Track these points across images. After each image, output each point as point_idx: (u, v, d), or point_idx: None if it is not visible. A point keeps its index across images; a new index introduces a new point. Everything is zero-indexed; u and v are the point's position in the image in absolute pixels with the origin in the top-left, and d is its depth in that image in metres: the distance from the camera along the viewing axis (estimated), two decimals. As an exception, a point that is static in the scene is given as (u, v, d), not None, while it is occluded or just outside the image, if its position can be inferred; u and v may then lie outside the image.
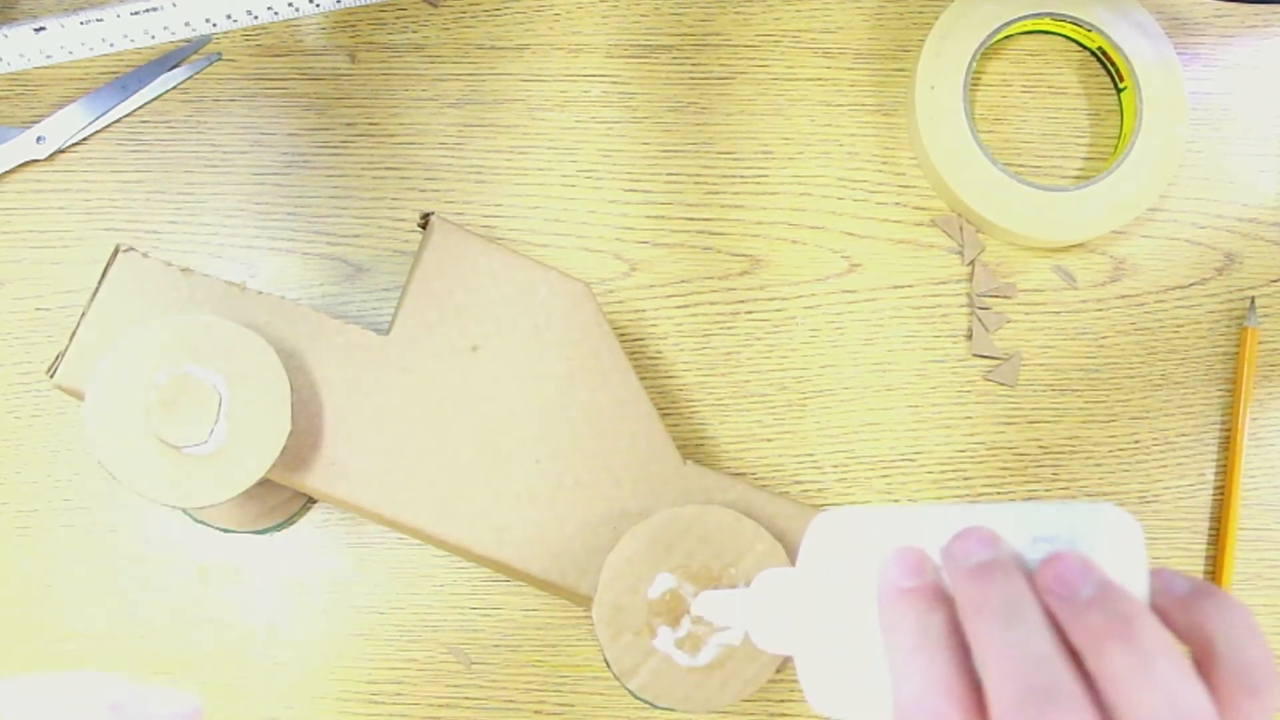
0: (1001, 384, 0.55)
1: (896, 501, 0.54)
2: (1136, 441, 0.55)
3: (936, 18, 0.55)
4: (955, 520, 0.30)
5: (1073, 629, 0.27)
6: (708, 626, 0.45)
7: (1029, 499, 0.55)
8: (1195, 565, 0.55)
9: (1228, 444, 0.55)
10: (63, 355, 0.45)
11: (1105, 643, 0.26)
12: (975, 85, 0.57)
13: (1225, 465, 0.55)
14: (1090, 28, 0.55)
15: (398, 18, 0.56)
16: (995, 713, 0.26)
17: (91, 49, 0.54)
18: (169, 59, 0.55)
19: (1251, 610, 0.29)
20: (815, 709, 0.32)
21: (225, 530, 0.51)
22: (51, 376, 0.45)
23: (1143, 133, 0.55)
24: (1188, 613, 0.29)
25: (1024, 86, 0.57)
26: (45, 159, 0.54)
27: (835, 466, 0.54)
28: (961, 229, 0.56)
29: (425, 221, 0.48)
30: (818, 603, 0.32)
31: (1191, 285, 0.56)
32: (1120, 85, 0.56)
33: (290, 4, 0.55)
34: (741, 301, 0.55)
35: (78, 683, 0.31)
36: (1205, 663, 0.28)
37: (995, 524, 0.30)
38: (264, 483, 0.44)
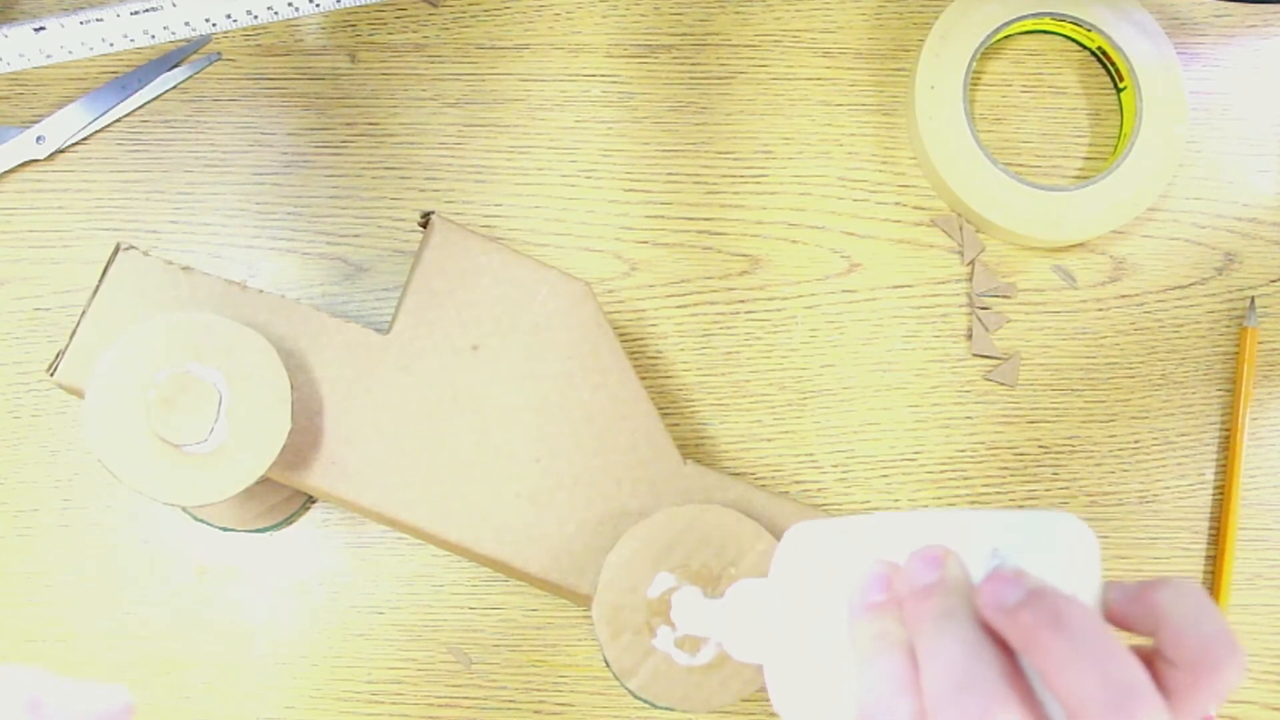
0: (1001, 384, 0.55)
1: (896, 502, 0.54)
2: (1136, 441, 0.55)
3: (936, 18, 0.55)
4: (921, 531, 0.32)
5: (1009, 633, 0.29)
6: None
7: (1028, 499, 0.55)
8: (1195, 565, 0.55)
9: (1228, 444, 0.55)
10: (63, 353, 0.45)
11: (1035, 636, 0.28)
12: (975, 85, 0.57)
13: (1225, 465, 0.55)
14: (1090, 28, 0.55)
15: (398, 18, 0.56)
16: (929, 710, 0.28)
17: (91, 49, 0.54)
18: (169, 59, 0.55)
19: (1201, 589, 0.30)
20: (783, 717, 0.33)
21: (225, 529, 0.51)
22: (52, 375, 0.45)
23: (1143, 133, 0.55)
24: (1142, 604, 0.30)
25: (1024, 86, 0.57)
26: (45, 159, 0.54)
27: (835, 466, 0.54)
28: (961, 229, 0.56)
29: (425, 221, 0.48)
30: (787, 613, 0.33)
31: (1191, 285, 0.56)
32: (1120, 85, 0.56)
33: (290, 4, 0.55)
34: (741, 301, 0.55)
35: None
36: (1166, 646, 0.29)
37: (957, 534, 0.32)
38: (264, 481, 0.44)
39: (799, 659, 0.33)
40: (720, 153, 0.56)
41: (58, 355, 0.45)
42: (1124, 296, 0.56)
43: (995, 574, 0.30)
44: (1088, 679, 0.27)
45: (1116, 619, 0.30)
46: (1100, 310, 0.56)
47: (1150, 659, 0.29)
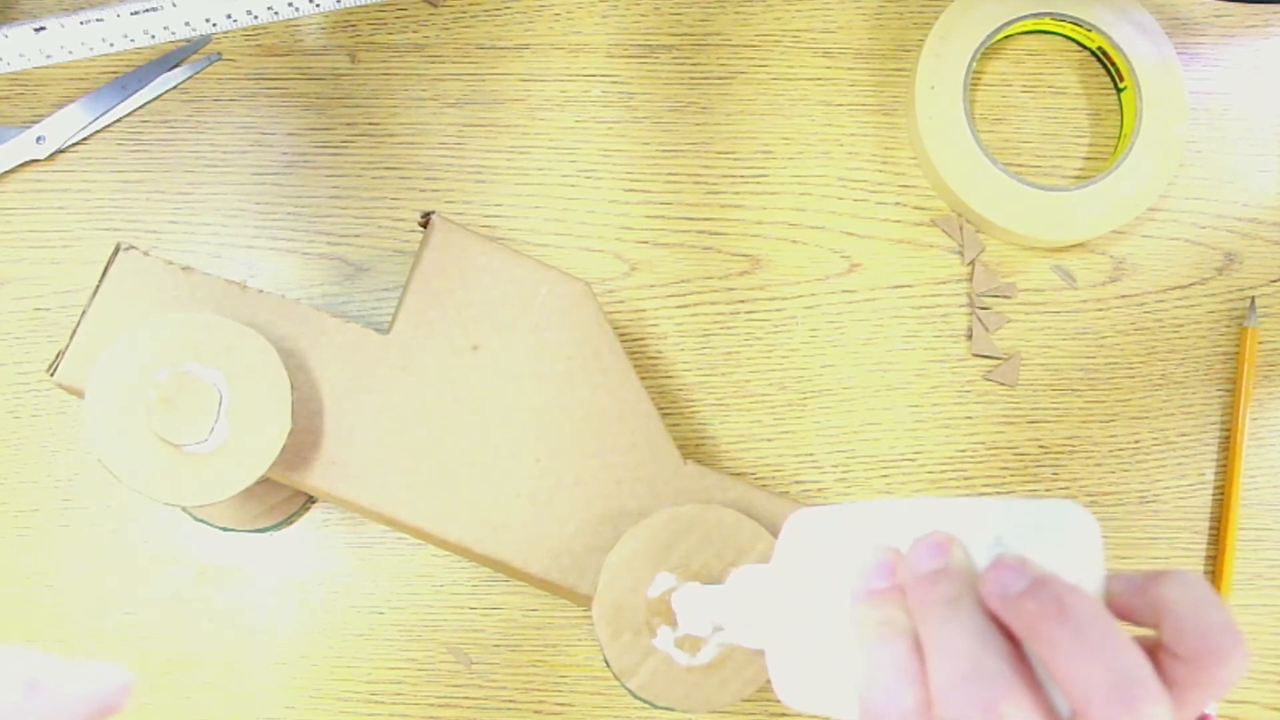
0: (1001, 384, 0.55)
1: (897, 501, 0.54)
2: (1136, 441, 0.55)
3: (936, 18, 0.55)
4: (925, 519, 0.32)
5: (1013, 622, 0.29)
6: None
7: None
8: (1195, 565, 0.55)
9: (1228, 444, 0.55)
10: (63, 353, 0.45)
11: (1038, 624, 0.28)
12: (975, 85, 0.57)
13: (1225, 465, 0.55)
14: (1090, 28, 0.55)
15: (398, 18, 0.56)
16: (935, 699, 0.28)
17: (91, 49, 0.54)
18: (169, 59, 0.55)
19: (1204, 580, 0.30)
20: (785, 702, 0.33)
21: (225, 529, 0.51)
22: (52, 374, 0.45)
23: (1143, 133, 0.55)
24: (1145, 595, 0.30)
25: (1024, 86, 0.57)
26: (45, 159, 0.54)
27: (835, 466, 0.54)
28: (961, 229, 0.56)
29: (426, 221, 0.48)
30: (790, 599, 0.33)
31: (1191, 285, 0.56)
32: (1120, 85, 0.56)
33: (290, 4, 0.55)
34: (741, 301, 0.55)
35: None
36: (1170, 637, 0.29)
37: (960, 522, 0.31)
38: (264, 481, 0.44)
39: (801, 645, 0.33)
40: (720, 153, 0.56)
41: (58, 355, 0.45)
42: (1124, 296, 0.56)
43: (999, 561, 0.29)
44: (1092, 668, 0.27)
45: (1119, 610, 0.30)
46: (1100, 310, 0.56)
47: (1153, 650, 0.29)
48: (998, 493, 0.55)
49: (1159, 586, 0.30)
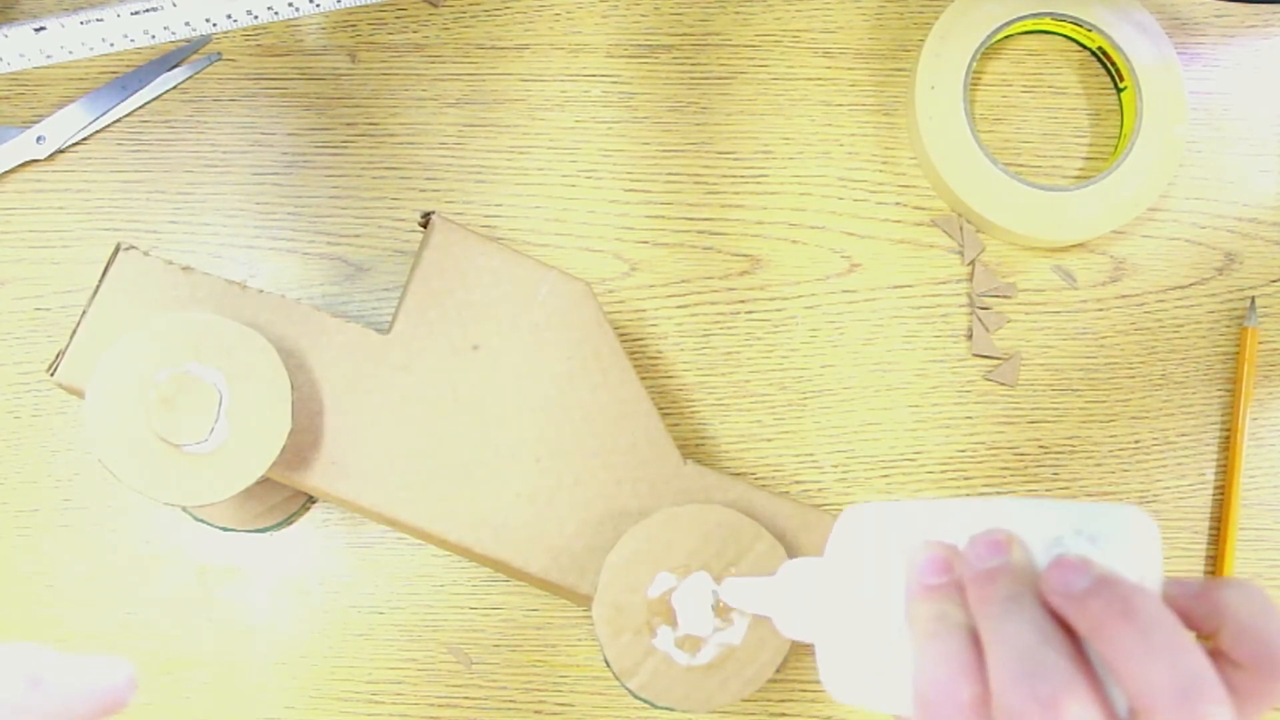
0: (1001, 384, 0.55)
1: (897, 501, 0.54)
2: (1136, 441, 0.55)
3: (936, 18, 0.55)
4: (982, 517, 0.32)
5: (1076, 620, 0.28)
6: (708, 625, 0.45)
7: (1028, 499, 0.55)
8: (1195, 565, 0.55)
9: (1228, 444, 0.55)
10: (63, 353, 0.45)
11: (1105, 624, 0.28)
12: (975, 85, 0.57)
13: (1225, 465, 0.55)
14: (1090, 28, 0.55)
15: (398, 18, 0.56)
16: (995, 694, 0.28)
17: (91, 49, 0.54)
18: (169, 59, 0.55)
19: (1264, 591, 0.30)
20: (834, 696, 0.33)
21: (225, 529, 0.51)
22: (52, 374, 0.45)
23: (1143, 133, 0.55)
24: (1205, 601, 0.30)
25: (1024, 86, 0.57)
26: (45, 159, 0.54)
27: (835, 466, 0.54)
28: (961, 229, 0.56)
29: (426, 221, 0.48)
30: (843, 593, 0.33)
31: (1191, 285, 0.56)
32: (1120, 85, 0.56)
33: (290, 4, 0.55)
34: (741, 301, 0.55)
35: None
36: (1230, 644, 0.29)
37: (1018, 522, 0.31)
38: (264, 481, 0.44)
39: (852, 639, 0.33)
40: (720, 153, 0.56)
41: (58, 355, 0.45)
42: (1124, 296, 0.56)
43: (1062, 560, 0.29)
44: (1157, 669, 0.27)
45: (1177, 614, 0.30)
46: (1100, 310, 0.56)
47: (1211, 657, 0.29)
48: (998, 493, 0.55)
49: (1220, 593, 0.30)
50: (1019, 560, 0.30)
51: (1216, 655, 0.29)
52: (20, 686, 0.28)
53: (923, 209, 0.56)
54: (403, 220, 0.55)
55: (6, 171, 0.54)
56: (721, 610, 0.45)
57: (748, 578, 0.42)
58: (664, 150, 0.56)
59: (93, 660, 0.30)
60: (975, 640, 0.29)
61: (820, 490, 0.54)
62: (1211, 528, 0.55)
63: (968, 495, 0.55)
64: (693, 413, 0.54)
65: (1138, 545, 0.30)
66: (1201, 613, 0.30)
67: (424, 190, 0.55)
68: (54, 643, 0.51)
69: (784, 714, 0.53)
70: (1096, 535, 0.30)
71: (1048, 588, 0.29)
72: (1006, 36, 0.57)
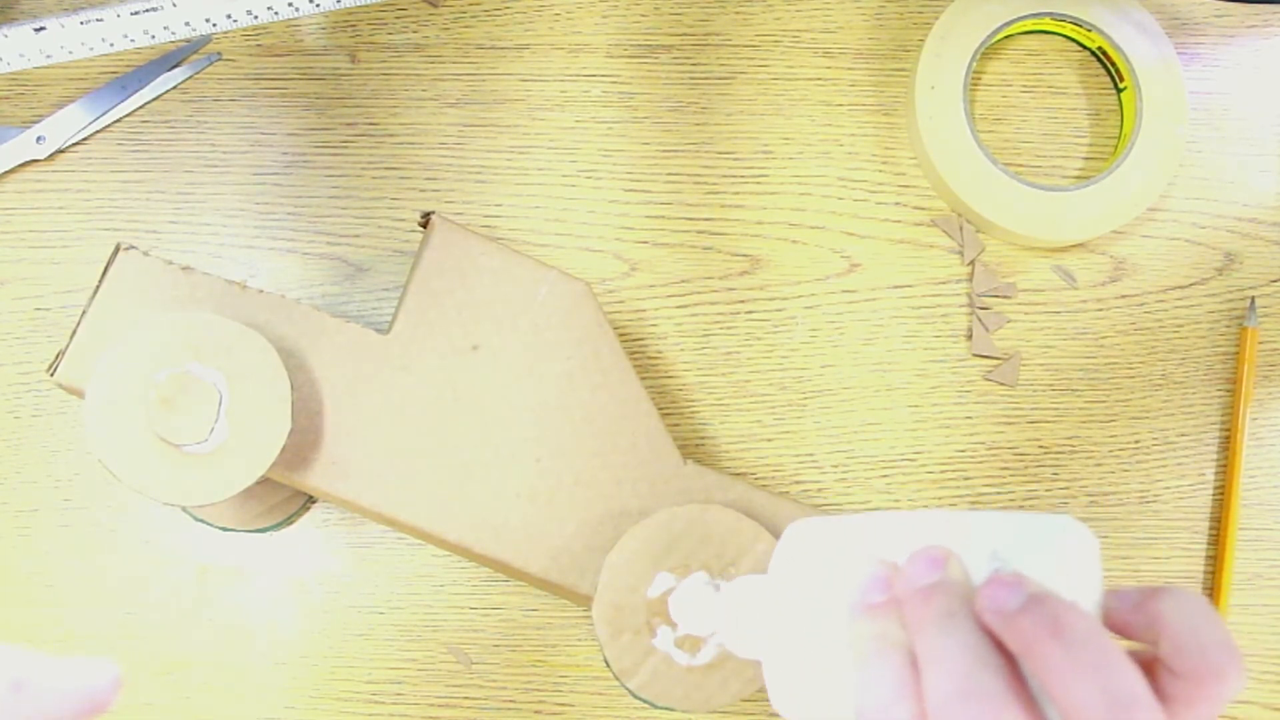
0: (1001, 384, 0.55)
1: (896, 502, 0.54)
2: (1136, 441, 0.55)
3: (936, 18, 0.55)
4: (922, 531, 0.32)
5: (1007, 638, 0.29)
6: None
7: (1028, 500, 0.55)
8: (1195, 565, 0.55)
9: (1228, 444, 0.55)
10: (63, 353, 0.45)
11: (1035, 643, 0.28)
12: (975, 85, 0.57)
13: (1225, 465, 0.55)
14: (1090, 28, 0.55)
15: (398, 18, 0.56)
16: (930, 712, 0.28)
17: (91, 49, 0.54)
18: (169, 59, 0.55)
19: (1203, 597, 0.30)
20: (780, 713, 0.33)
21: (225, 529, 0.51)
22: (52, 374, 0.45)
23: (1143, 133, 0.55)
24: (1143, 612, 0.30)
25: (1024, 86, 0.57)
26: (45, 159, 0.54)
27: (835, 466, 0.54)
28: (961, 229, 0.56)
29: (426, 221, 0.48)
30: (787, 610, 0.33)
31: (1191, 285, 0.56)
32: (1120, 85, 0.56)
33: (290, 4, 0.55)
34: (741, 301, 0.55)
35: None
36: (1169, 654, 0.29)
37: (957, 535, 0.31)
38: (264, 481, 0.44)
39: (798, 657, 0.33)
40: (720, 153, 0.56)
41: (58, 355, 0.45)
42: (1124, 296, 0.56)
43: (995, 578, 0.29)
44: (1087, 688, 0.27)
45: (1117, 626, 0.30)
46: (1100, 310, 0.56)
47: (1150, 666, 0.29)
48: (998, 493, 0.55)
49: (1157, 603, 0.30)
50: (956, 577, 0.30)
51: (1156, 664, 0.29)
52: (2, 691, 0.28)
53: (923, 209, 0.56)
54: (403, 220, 0.55)
55: (6, 171, 0.54)
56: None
57: (698, 587, 0.42)
58: (664, 150, 0.56)
59: (76, 662, 0.29)
60: (914, 660, 0.30)
61: (820, 490, 0.54)
62: (1211, 528, 0.55)
63: (967, 496, 0.55)
64: (693, 413, 0.54)
65: (1076, 557, 0.30)
66: (1141, 624, 0.30)
67: (424, 190, 0.55)
68: (54, 642, 0.51)
69: (784, 714, 0.53)
70: (1033, 548, 0.30)
71: (981, 606, 0.29)
72: (1006, 36, 0.57)
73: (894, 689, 0.29)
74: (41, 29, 0.53)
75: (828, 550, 0.33)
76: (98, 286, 0.45)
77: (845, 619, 0.32)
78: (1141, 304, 0.56)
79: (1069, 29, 0.56)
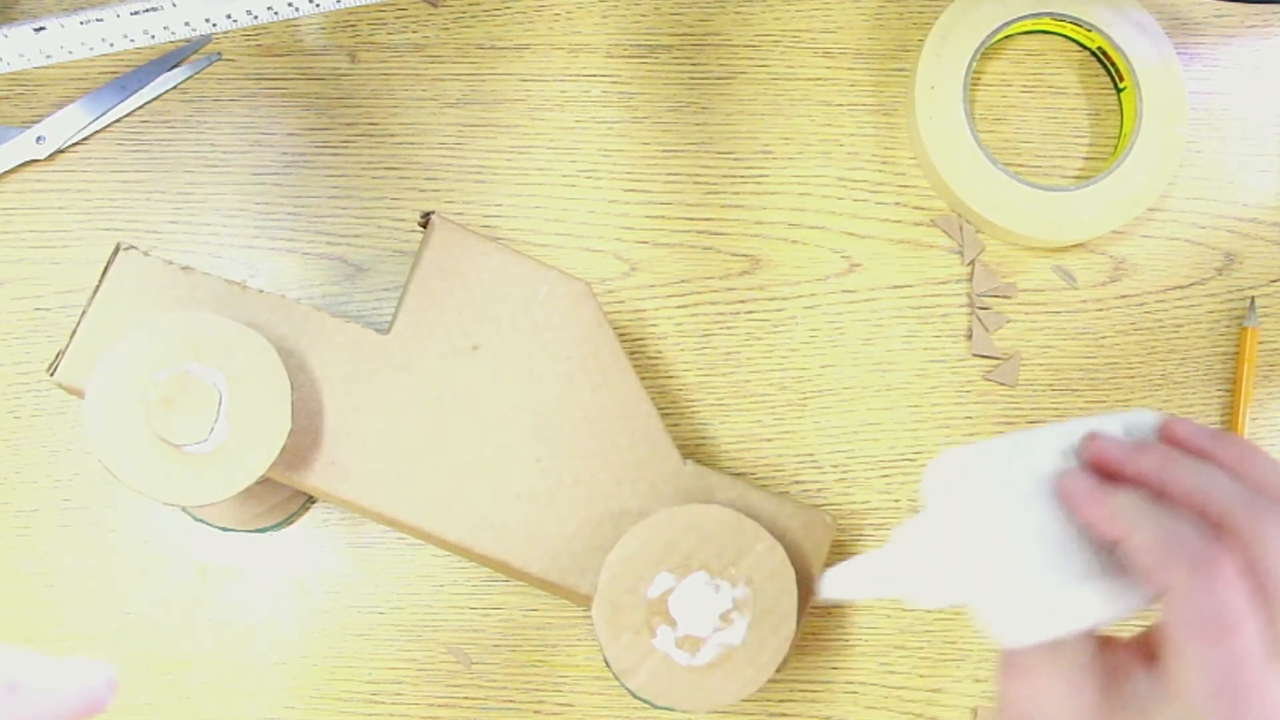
0: (1001, 384, 0.55)
1: (896, 502, 0.54)
2: (1137, 441, 0.55)
3: (936, 18, 0.55)
4: (1060, 435, 0.35)
5: (1220, 457, 0.35)
6: (705, 625, 0.45)
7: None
8: (1195, 565, 0.55)
9: (1228, 444, 0.55)
10: (63, 353, 0.45)
11: (1248, 454, 0.34)
12: (975, 85, 0.57)
13: (1225, 465, 0.55)
14: (1090, 28, 0.55)
15: (398, 18, 0.56)
16: (1229, 518, 0.32)
17: (91, 49, 0.54)
18: (169, 59, 0.55)
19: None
20: (1009, 644, 0.34)
21: (225, 529, 0.51)
22: (52, 374, 0.45)
23: (1143, 133, 0.55)
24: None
25: (1024, 86, 0.57)
26: (45, 159, 0.54)
27: (835, 466, 0.54)
28: (961, 229, 0.56)
29: (426, 221, 0.48)
30: (976, 542, 0.34)
31: (1191, 285, 0.56)
32: (1120, 85, 0.56)
33: (290, 4, 0.55)
34: (741, 301, 0.55)
35: None
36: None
37: (1088, 430, 0.35)
38: (264, 481, 0.44)
39: (1012, 578, 0.33)
40: (720, 153, 0.56)
41: (58, 355, 0.45)
42: (1124, 296, 0.56)
43: (1170, 421, 0.35)
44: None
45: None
46: (1100, 310, 0.56)
47: None
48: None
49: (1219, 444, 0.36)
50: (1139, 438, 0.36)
51: None
52: None
53: (923, 209, 0.56)
54: (403, 220, 0.55)
55: (6, 171, 0.54)
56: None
57: (849, 567, 0.39)
58: (664, 150, 0.56)
59: (71, 663, 0.29)
60: (1165, 506, 0.33)
61: (820, 490, 0.54)
62: (1211, 528, 0.55)
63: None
64: (693, 413, 0.54)
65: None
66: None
67: (424, 190, 0.55)
68: (54, 643, 0.52)
69: (784, 714, 0.53)
70: (1142, 428, 0.36)
71: (1180, 441, 0.35)
72: (1006, 36, 0.57)
73: (1172, 525, 0.32)
74: (41, 29, 0.53)
75: (989, 475, 0.35)
76: (98, 286, 0.45)
77: (1056, 522, 0.34)
78: (1141, 304, 0.56)
79: (1069, 29, 0.56)
